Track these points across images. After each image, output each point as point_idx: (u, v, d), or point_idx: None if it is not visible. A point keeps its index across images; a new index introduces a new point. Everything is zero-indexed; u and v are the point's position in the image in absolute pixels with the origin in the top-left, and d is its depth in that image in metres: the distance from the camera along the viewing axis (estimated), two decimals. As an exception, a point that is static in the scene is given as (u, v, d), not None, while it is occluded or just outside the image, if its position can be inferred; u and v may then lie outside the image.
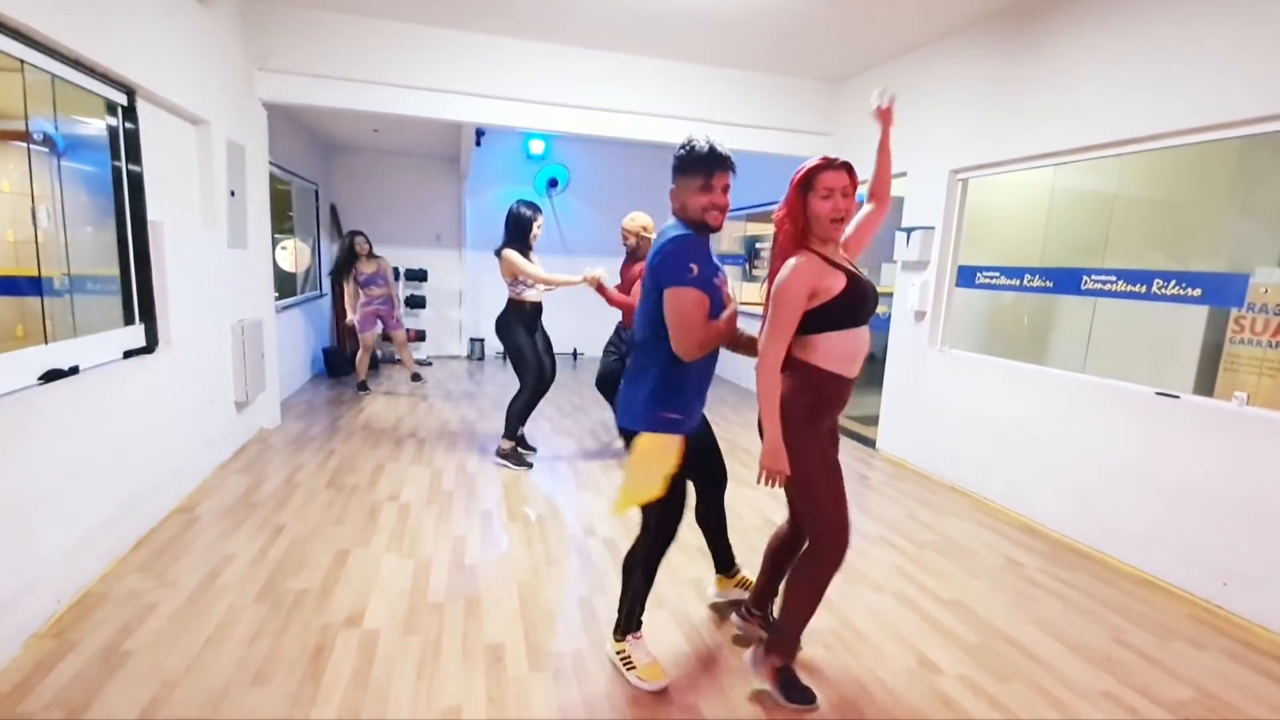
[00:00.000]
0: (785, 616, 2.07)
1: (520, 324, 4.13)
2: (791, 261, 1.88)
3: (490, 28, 4.64)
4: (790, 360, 1.91)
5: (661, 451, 1.98)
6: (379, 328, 6.27)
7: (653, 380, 1.98)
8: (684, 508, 2.13)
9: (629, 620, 2.20)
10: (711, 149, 1.93)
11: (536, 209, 4.11)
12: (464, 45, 4.71)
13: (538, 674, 2.15)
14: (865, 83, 5.23)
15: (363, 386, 6.33)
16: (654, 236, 4.09)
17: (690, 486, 2.16)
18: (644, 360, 2.01)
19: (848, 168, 1.91)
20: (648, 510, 2.08)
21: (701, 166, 1.93)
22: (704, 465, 2.31)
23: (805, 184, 1.92)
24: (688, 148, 1.95)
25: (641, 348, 2.03)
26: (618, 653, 2.19)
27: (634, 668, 2.14)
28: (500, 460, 4.24)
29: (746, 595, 2.49)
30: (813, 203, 1.91)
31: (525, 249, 4.07)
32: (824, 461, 1.95)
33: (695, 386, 2.04)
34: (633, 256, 4.13)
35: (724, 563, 2.64)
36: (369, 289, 6.18)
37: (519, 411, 4.23)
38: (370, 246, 6.14)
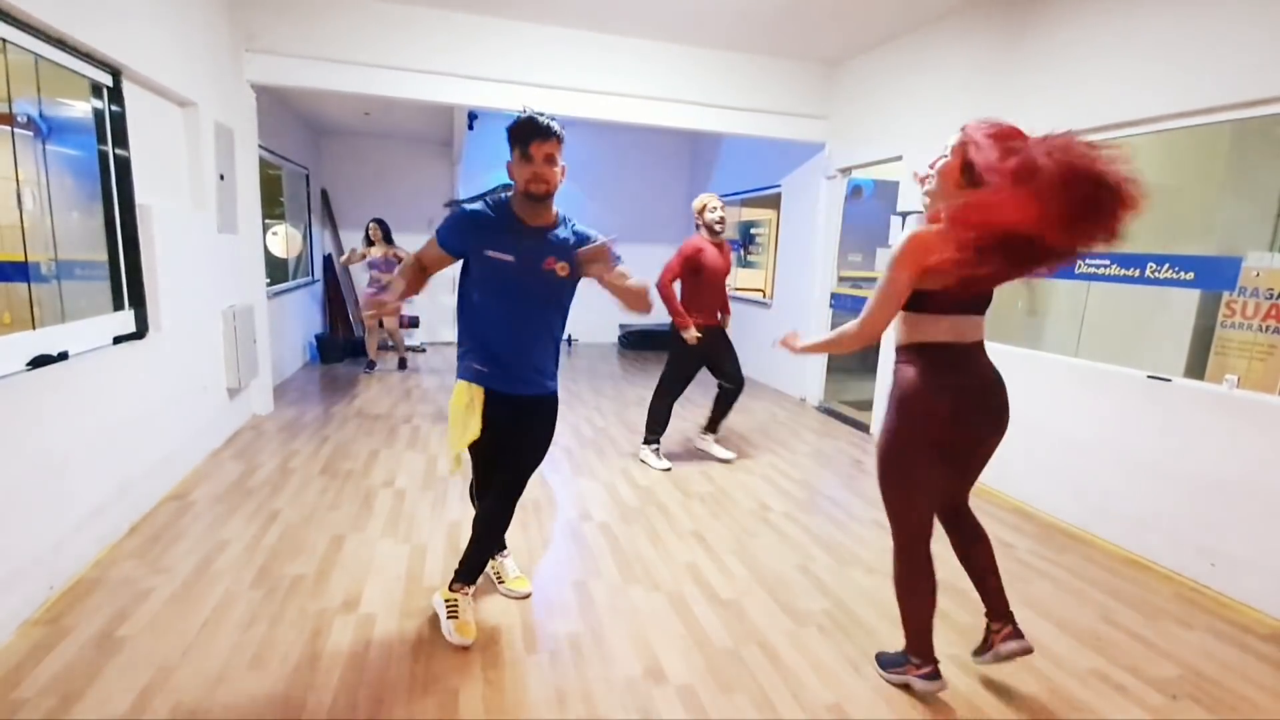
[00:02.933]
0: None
1: None
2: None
3: (484, 9, 4.58)
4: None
5: (454, 396, 2.13)
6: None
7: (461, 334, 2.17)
8: (482, 469, 2.25)
9: (464, 571, 2.27)
10: (529, 119, 1.93)
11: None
12: (456, 26, 4.65)
13: (533, 657, 2.16)
14: (861, 65, 5.19)
15: (371, 365, 6.67)
16: (708, 214, 3.92)
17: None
18: None
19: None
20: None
21: (519, 138, 1.94)
22: (505, 444, 2.19)
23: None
24: (519, 117, 1.97)
25: None
26: (445, 600, 2.27)
27: (455, 618, 2.21)
28: None
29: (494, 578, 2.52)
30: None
31: None
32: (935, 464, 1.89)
33: (488, 340, 2.09)
34: (712, 233, 3.96)
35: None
36: (374, 272, 6.50)
37: None
38: (384, 234, 6.48)
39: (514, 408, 2.14)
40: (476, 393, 2.10)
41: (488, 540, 2.29)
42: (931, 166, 1.88)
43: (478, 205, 2.04)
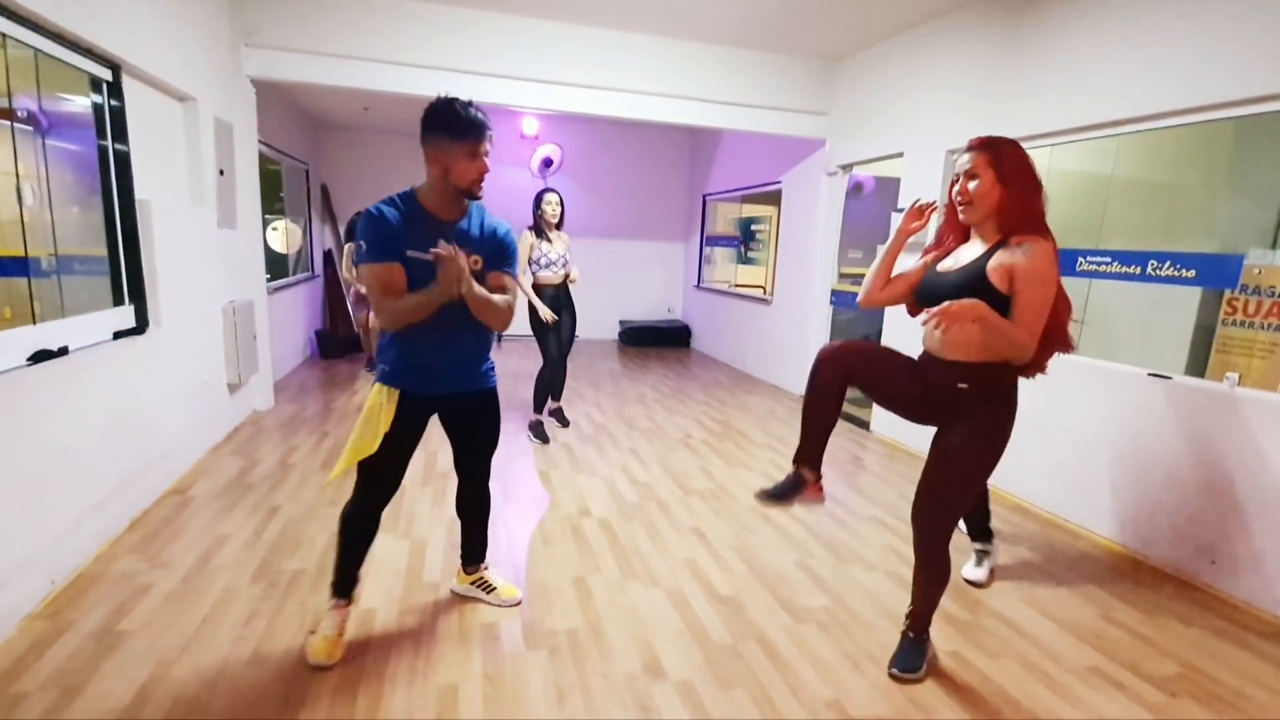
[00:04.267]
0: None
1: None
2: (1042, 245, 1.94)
3: (485, 3, 4.56)
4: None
5: (376, 403, 1.99)
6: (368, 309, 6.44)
7: (387, 335, 2.03)
8: (392, 473, 2.09)
9: (336, 582, 2.15)
10: (479, 114, 1.85)
11: (545, 189, 4.32)
12: (456, 21, 4.63)
13: (534, 652, 2.17)
14: (862, 61, 5.18)
15: (370, 362, 6.58)
16: None
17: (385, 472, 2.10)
18: None
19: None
20: (360, 467, 2.05)
21: (471, 132, 1.84)
22: (462, 441, 2.24)
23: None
24: (460, 108, 1.84)
25: None
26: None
27: (313, 633, 2.10)
28: (528, 431, 4.54)
29: (482, 593, 2.42)
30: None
31: (539, 232, 4.27)
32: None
33: (416, 343, 1.98)
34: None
35: (471, 555, 2.45)
36: None
37: (537, 389, 4.49)
38: None
39: (459, 406, 2.14)
40: (393, 396, 1.99)
41: (486, 519, 2.43)
42: (962, 195, 2.02)
43: (381, 206, 1.92)
